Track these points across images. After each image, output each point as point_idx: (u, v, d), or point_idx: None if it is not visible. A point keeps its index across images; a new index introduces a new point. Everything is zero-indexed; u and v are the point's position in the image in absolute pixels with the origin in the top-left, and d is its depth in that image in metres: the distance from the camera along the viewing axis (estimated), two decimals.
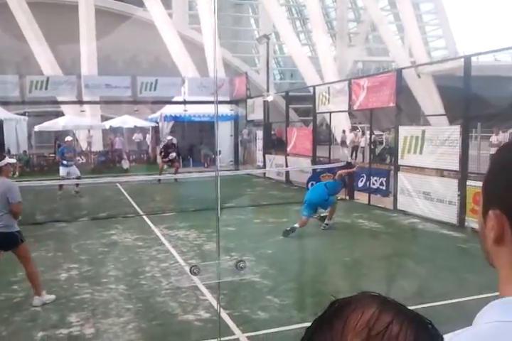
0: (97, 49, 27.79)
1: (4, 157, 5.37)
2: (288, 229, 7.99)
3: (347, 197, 11.76)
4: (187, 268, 6.30)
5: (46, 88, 18.09)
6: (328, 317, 0.64)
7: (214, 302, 5.16)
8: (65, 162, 12.73)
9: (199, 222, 9.26)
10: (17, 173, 18.54)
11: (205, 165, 20.35)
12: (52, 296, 5.32)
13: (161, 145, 17.78)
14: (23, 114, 22.82)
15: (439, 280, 5.76)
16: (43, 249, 7.50)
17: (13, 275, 6.26)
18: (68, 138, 13.85)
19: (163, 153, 16.36)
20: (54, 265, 6.66)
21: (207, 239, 8.01)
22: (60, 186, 12.44)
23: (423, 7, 48.62)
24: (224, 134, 19.15)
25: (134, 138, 25.36)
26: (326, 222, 8.57)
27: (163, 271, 6.33)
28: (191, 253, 7.17)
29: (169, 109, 21.06)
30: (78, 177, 12.64)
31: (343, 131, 23.55)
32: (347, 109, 12.68)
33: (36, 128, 21.57)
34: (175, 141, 17.92)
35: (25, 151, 20.46)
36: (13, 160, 5.64)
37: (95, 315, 4.86)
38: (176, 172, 15.49)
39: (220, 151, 20.97)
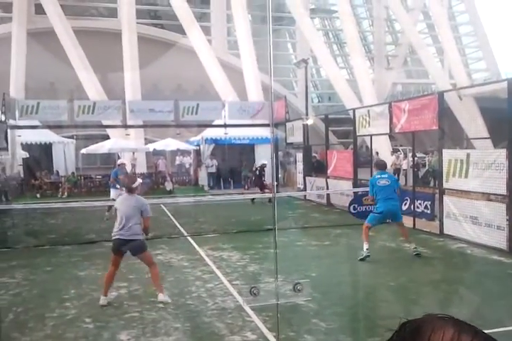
0: (144, 78, 28.78)
1: (136, 179, 6.39)
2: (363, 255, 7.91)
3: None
4: (232, 289, 6.38)
5: (93, 112, 18.81)
6: (408, 337, 0.68)
7: (260, 324, 5.18)
8: (118, 186, 13.09)
9: (241, 243, 9.35)
10: (66, 194, 19.20)
11: (246, 186, 20.52)
12: (169, 299, 5.95)
13: (254, 169, 18.03)
14: (71, 137, 23.77)
15: (491, 307, 5.60)
16: (92, 268, 7.73)
17: (65, 292, 6.48)
18: (121, 161, 14.29)
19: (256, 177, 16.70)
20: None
21: (250, 260, 8.06)
22: (109, 207, 12.77)
23: (462, 29, 48.23)
24: (264, 157, 19.31)
25: (176, 160, 25.93)
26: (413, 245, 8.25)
27: (208, 291, 6.41)
28: (235, 275, 7.23)
29: (210, 132, 21.49)
30: None
31: (377, 153, 23.34)
32: (388, 131, 12.63)
33: (83, 150, 22.34)
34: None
35: (73, 173, 21.21)
36: (140, 181, 6.41)
37: (145, 334, 4.96)
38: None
39: None
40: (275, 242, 3.52)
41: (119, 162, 14.23)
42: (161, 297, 5.92)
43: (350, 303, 6.02)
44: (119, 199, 6.23)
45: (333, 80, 34.11)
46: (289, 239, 9.69)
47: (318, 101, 46.35)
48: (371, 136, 13.64)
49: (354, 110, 14.52)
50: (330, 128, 17.07)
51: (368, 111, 13.45)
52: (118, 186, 13.05)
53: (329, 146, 16.59)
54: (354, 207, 11.20)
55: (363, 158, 19.13)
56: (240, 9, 32.25)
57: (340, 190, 14.38)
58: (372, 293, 6.55)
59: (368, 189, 12.49)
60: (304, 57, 24.68)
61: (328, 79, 36.34)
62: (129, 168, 23.82)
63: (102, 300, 5.91)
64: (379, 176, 8.51)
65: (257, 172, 16.79)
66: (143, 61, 28.93)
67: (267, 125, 20.60)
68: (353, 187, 13.56)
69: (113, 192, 13.11)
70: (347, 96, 32.15)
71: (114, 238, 6.01)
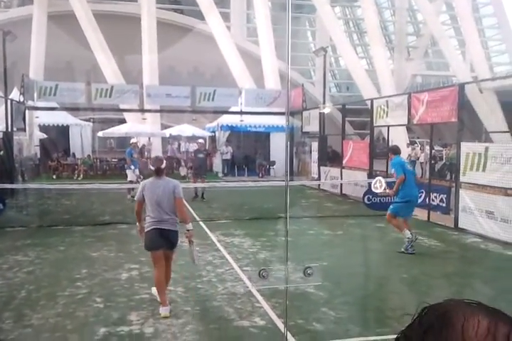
0: (161, 60, 28.74)
1: (163, 159, 5.65)
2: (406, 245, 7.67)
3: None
4: (242, 275, 6.38)
5: (110, 96, 18.84)
6: (436, 323, 0.63)
7: (269, 310, 5.18)
8: (132, 167, 13.22)
9: (253, 230, 9.35)
10: (81, 176, 19.39)
11: (260, 174, 20.49)
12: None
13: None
14: (88, 120, 23.90)
15: (505, 302, 5.52)
16: (105, 249, 7.80)
17: (77, 272, 6.54)
18: (134, 140, 14.46)
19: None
20: (116, 265, 6.91)
21: (261, 247, 8.06)
22: (130, 189, 12.93)
23: (485, 22, 47.19)
24: (279, 145, 19.25)
25: (190, 146, 25.91)
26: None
27: (218, 276, 6.42)
28: (246, 261, 7.23)
29: (226, 119, 21.44)
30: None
31: (407, 145, 23.13)
32: (405, 123, 12.45)
33: (100, 133, 22.47)
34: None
35: (89, 155, 21.40)
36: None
37: (154, 315, 4.99)
38: None
39: (274, 162, 21.11)
40: (286, 229, 3.48)
41: (131, 141, 14.37)
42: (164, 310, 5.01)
43: (360, 293, 5.98)
44: (147, 186, 5.21)
45: (352, 70, 33.66)
46: (302, 227, 9.66)
47: (337, 91, 45.93)
48: (388, 127, 13.47)
49: (372, 100, 14.33)
50: (347, 119, 16.92)
51: (387, 101, 13.26)
52: (132, 167, 13.18)
53: (345, 136, 16.45)
54: (368, 197, 11.12)
55: (379, 150, 18.97)
56: None
57: (356, 180, 14.27)
58: (384, 284, 6.51)
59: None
60: (323, 46, 24.39)
61: (347, 68, 35.89)
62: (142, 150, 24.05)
63: (164, 311, 4.97)
64: (404, 160, 8.38)
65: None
66: (161, 45, 28.83)
67: (283, 113, 20.47)
68: (368, 178, 13.44)
69: (130, 174, 13.26)
70: (365, 86, 31.74)
71: (150, 229, 5.09)
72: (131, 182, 13.06)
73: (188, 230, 5.15)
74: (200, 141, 15.21)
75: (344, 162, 15.13)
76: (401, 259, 7.58)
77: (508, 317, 0.63)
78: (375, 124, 13.86)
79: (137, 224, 5.45)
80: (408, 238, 7.65)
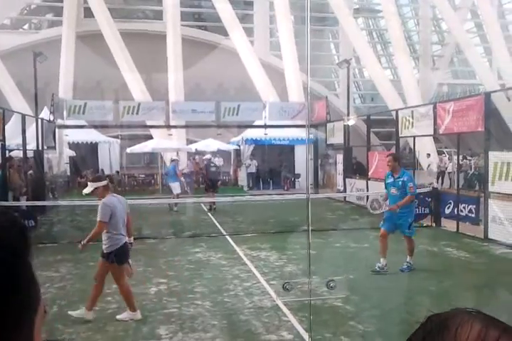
0: (187, 78, 29.23)
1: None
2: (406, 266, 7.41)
3: (433, 224, 11.36)
4: (269, 289, 6.40)
5: (137, 113, 19.23)
6: (435, 330, 0.68)
7: (296, 324, 5.18)
8: (176, 182, 13.98)
9: (279, 243, 9.36)
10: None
11: (285, 187, 20.50)
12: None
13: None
14: (116, 137, 24.42)
15: None
16: (133, 264, 7.90)
17: (107, 287, 6.64)
18: (175, 157, 15.09)
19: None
20: (144, 279, 7.02)
21: (287, 260, 8.07)
22: (174, 203, 13.82)
23: None
24: (304, 158, 19.22)
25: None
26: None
27: (245, 290, 6.46)
28: (272, 274, 7.25)
29: (250, 133, 21.60)
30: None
31: (428, 155, 22.81)
32: (431, 133, 12.34)
33: (128, 150, 22.90)
34: None
35: (117, 172, 21.80)
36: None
37: (183, 329, 5.05)
38: None
39: (299, 175, 21.11)
40: (308, 242, 3.52)
41: (173, 158, 15.11)
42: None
43: (388, 307, 5.92)
44: (115, 204, 5.39)
45: (377, 80, 33.55)
46: (328, 240, 9.63)
47: (361, 102, 45.75)
48: (414, 137, 13.37)
49: (397, 111, 14.27)
50: (372, 130, 16.83)
51: (412, 111, 13.18)
52: (183, 179, 14.07)
53: (370, 147, 16.36)
54: None
55: (405, 161, 18.77)
56: (283, 10, 32.21)
57: (382, 192, 14.13)
58: (412, 297, 6.42)
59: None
60: (347, 58, 24.44)
61: (371, 79, 35.80)
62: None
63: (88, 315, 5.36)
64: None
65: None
66: (186, 62, 29.36)
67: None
68: None
69: (177, 187, 13.97)
70: (390, 96, 31.56)
71: (123, 244, 5.43)
72: (177, 195, 13.97)
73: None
74: (207, 156, 15.81)
75: (370, 173, 15.03)
76: (429, 272, 7.48)
77: (502, 324, 0.68)
78: (400, 135, 13.77)
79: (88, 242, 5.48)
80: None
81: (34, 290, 0.45)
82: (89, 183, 5.47)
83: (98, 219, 5.30)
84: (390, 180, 7.47)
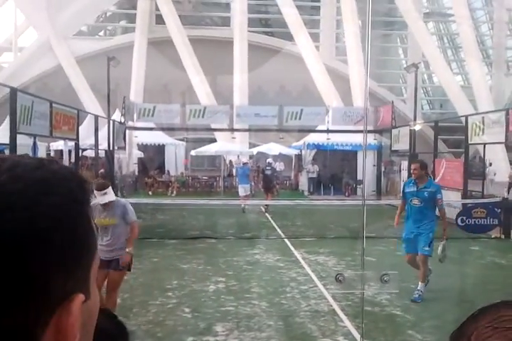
0: (250, 81, 29.69)
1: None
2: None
3: (502, 236, 10.84)
4: (326, 293, 6.36)
5: (203, 116, 19.73)
6: (476, 313, 0.66)
7: (353, 330, 5.12)
8: (247, 185, 14.76)
9: (339, 249, 9.27)
10: (174, 193, 20.38)
11: (346, 193, 20.25)
12: None
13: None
14: (182, 140, 25.18)
15: None
16: (194, 262, 8.15)
17: (168, 282, 6.89)
18: (245, 160, 15.67)
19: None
20: (204, 277, 7.19)
21: (346, 266, 7.98)
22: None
23: None
24: (367, 164, 18.92)
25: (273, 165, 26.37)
26: (419, 287, 6.47)
27: (302, 293, 6.46)
28: (330, 279, 7.18)
29: (312, 138, 21.52)
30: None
31: (490, 164, 21.72)
32: (503, 140, 11.78)
33: (193, 152, 23.51)
34: None
35: (182, 173, 22.46)
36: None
37: (239, 327, 5.14)
38: None
39: (361, 181, 20.76)
40: (362, 247, 3.49)
41: (244, 161, 15.75)
42: None
43: (450, 318, 5.72)
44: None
45: (446, 86, 32.44)
46: (389, 248, 9.43)
47: (429, 108, 44.36)
48: (484, 144, 12.82)
49: (467, 117, 13.73)
50: (440, 137, 16.29)
51: (482, 118, 12.65)
52: (253, 183, 14.77)
53: (437, 155, 15.83)
54: (462, 219, 10.64)
55: (475, 170, 18.00)
56: (350, 15, 31.93)
57: (448, 200, 13.65)
58: (476, 308, 6.15)
59: (479, 201, 11.79)
60: (415, 62, 23.83)
61: (441, 85, 34.66)
62: (234, 171, 24.88)
63: None
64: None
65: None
66: (250, 67, 29.79)
67: (372, 131, 20.16)
68: (462, 198, 12.81)
69: (247, 188, 14.68)
70: (461, 103, 30.41)
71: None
72: (246, 196, 14.87)
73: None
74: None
75: (436, 181, 14.53)
76: (497, 284, 7.14)
77: None
78: (470, 142, 13.24)
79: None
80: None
81: (92, 238, 0.47)
82: (107, 190, 4.82)
83: (134, 219, 5.00)
84: (412, 189, 6.63)
